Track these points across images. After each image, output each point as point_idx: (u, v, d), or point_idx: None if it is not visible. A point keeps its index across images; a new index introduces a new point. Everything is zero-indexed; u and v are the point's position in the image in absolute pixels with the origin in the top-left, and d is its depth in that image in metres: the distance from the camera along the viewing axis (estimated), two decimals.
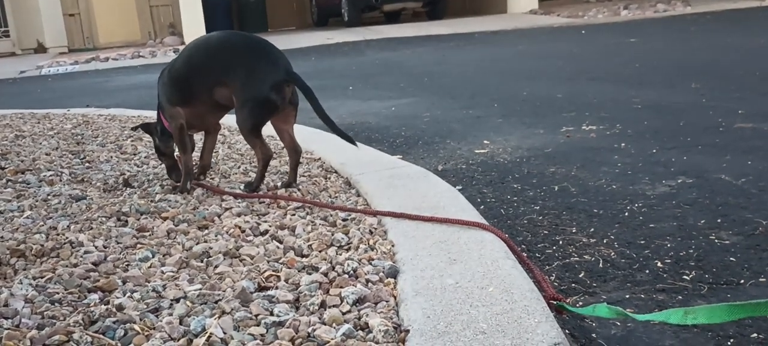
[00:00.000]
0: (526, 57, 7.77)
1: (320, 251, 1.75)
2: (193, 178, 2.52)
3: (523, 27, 12.30)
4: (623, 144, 3.05)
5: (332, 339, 1.27)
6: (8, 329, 1.37)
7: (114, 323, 1.37)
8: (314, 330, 1.30)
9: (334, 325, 1.33)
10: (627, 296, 1.60)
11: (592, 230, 2.05)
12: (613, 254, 1.85)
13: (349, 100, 5.31)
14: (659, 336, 1.40)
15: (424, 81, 6.19)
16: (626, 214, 2.16)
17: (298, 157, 2.48)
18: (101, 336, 1.33)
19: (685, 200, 2.24)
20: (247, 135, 2.36)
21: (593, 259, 1.83)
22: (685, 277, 1.67)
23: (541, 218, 2.20)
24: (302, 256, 1.74)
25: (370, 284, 1.52)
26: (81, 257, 1.78)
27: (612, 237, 1.97)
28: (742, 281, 1.62)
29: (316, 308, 1.41)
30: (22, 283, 1.60)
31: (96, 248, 1.86)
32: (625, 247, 1.89)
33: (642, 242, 1.92)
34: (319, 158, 2.89)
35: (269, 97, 2.27)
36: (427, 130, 3.81)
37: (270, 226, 1.98)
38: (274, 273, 1.61)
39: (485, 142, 3.35)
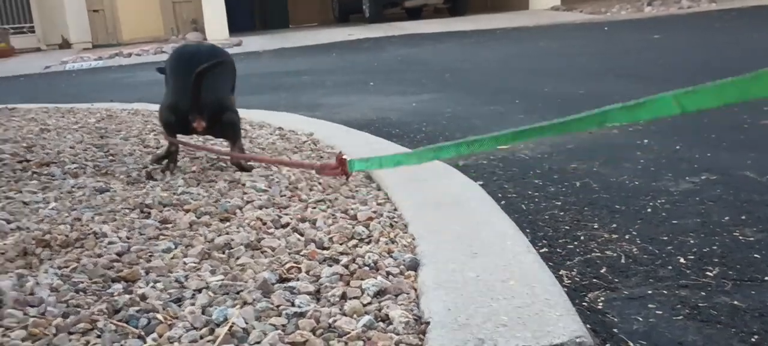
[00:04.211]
0: (548, 54, 7.73)
1: (341, 244, 1.76)
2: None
3: (544, 23, 12.23)
4: (646, 141, 3.02)
5: (353, 330, 1.27)
6: (34, 316, 1.39)
7: (137, 312, 1.39)
8: (335, 321, 1.31)
9: (354, 316, 1.33)
10: (649, 292, 1.58)
11: (614, 225, 2.03)
12: (635, 249, 1.84)
13: (371, 96, 5.31)
14: (682, 332, 1.39)
15: (445, 77, 6.18)
16: (649, 210, 2.14)
17: None
18: (125, 325, 1.35)
19: (709, 196, 2.21)
20: None
21: (615, 255, 1.82)
22: (708, 273, 1.65)
23: (562, 213, 2.19)
24: (323, 248, 1.75)
25: (390, 277, 1.52)
26: (105, 247, 1.80)
27: (634, 233, 1.96)
28: (766, 278, 1.60)
29: (337, 299, 1.41)
30: (47, 272, 1.62)
31: (120, 238, 1.88)
32: (647, 243, 1.88)
33: (665, 238, 1.90)
34: (341, 153, 2.89)
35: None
36: (449, 126, 3.81)
37: (291, 219, 1.99)
38: (295, 265, 1.62)
39: None
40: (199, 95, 2.42)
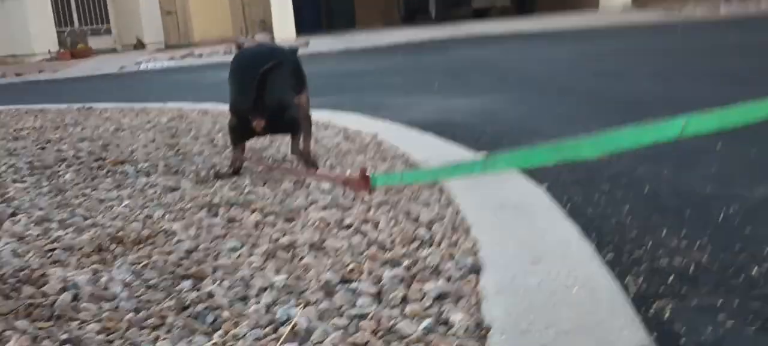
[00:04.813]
0: (617, 55, 7.56)
1: (403, 246, 1.77)
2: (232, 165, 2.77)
3: (615, 24, 11.96)
4: (719, 145, 2.92)
5: (413, 333, 1.28)
6: (108, 311, 1.45)
7: (204, 309, 1.43)
8: (396, 324, 1.32)
9: (415, 319, 1.34)
10: (719, 303, 1.53)
11: (684, 233, 1.98)
12: (705, 258, 1.78)
13: (435, 97, 5.31)
14: (752, 344, 1.34)
15: (510, 79, 6.12)
16: (721, 217, 2.07)
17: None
18: (193, 321, 1.39)
19: None
20: None
21: (684, 263, 1.77)
22: None
23: (629, 219, 2.14)
24: (385, 250, 1.76)
25: (452, 281, 1.52)
26: (174, 245, 1.86)
27: (705, 241, 1.90)
28: None
29: (398, 302, 1.42)
30: (120, 268, 1.68)
31: (188, 236, 1.94)
32: (718, 251, 1.82)
33: (737, 247, 1.84)
34: (404, 154, 2.90)
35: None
36: (513, 128, 3.77)
37: (354, 220, 2.01)
38: (357, 266, 1.63)
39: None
40: (258, 96, 2.47)
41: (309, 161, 2.69)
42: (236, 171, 2.73)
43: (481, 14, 16.62)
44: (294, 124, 2.64)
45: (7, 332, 1.36)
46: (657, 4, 14.34)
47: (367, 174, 1.40)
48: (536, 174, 2.71)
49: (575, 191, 2.49)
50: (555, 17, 13.99)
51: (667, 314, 1.49)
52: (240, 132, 2.64)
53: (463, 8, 16.35)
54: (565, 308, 1.31)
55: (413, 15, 18.31)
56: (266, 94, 2.48)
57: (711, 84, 4.69)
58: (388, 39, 12.60)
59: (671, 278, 1.69)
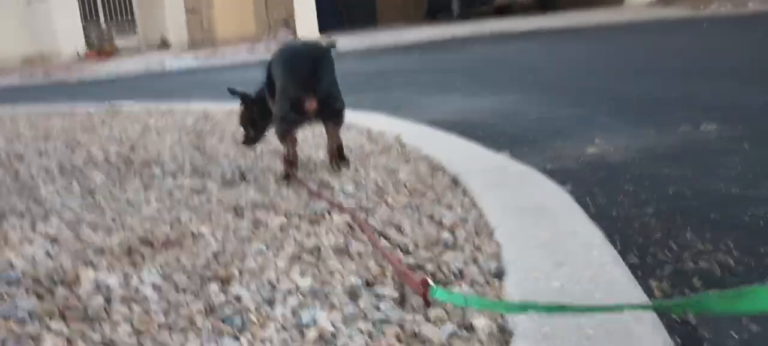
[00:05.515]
0: (641, 52, 7.50)
1: (426, 250, 1.79)
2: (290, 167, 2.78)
3: (639, 20, 11.85)
4: (745, 146, 2.90)
5: (437, 338, 1.30)
6: (139, 313, 1.48)
7: (232, 312, 1.46)
8: (420, 329, 1.34)
9: (438, 324, 1.36)
10: None
11: (709, 235, 1.97)
12: (730, 261, 1.78)
13: (456, 97, 5.31)
14: None
15: (531, 77, 6.11)
16: (746, 219, 2.06)
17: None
18: (221, 324, 1.42)
19: None
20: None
21: (709, 266, 1.77)
22: None
23: (653, 221, 2.14)
24: (408, 253, 1.78)
25: (475, 285, 1.54)
26: (202, 248, 1.89)
27: (730, 244, 1.89)
28: None
29: (422, 306, 1.44)
30: (150, 271, 1.72)
31: (215, 239, 1.97)
32: (743, 254, 1.81)
33: (763, 249, 1.83)
34: (427, 155, 2.92)
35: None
36: (534, 128, 3.77)
37: (378, 223, 2.03)
38: (381, 270, 1.65)
39: (596, 140, 3.28)
40: (314, 78, 2.52)
41: (342, 157, 2.79)
42: (294, 165, 2.77)
43: (502, 11, 16.56)
44: (340, 113, 2.71)
45: (43, 333, 1.41)
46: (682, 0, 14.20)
47: (428, 283, 1.39)
48: (559, 175, 2.72)
49: (598, 192, 2.49)
50: (578, 14, 13.90)
51: (691, 319, 1.49)
52: (291, 119, 2.67)
53: (485, 6, 16.30)
54: (588, 313, 1.32)
55: (435, 13, 18.29)
56: (320, 79, 2.55)
57: (734, 83, 4.65)
58: (410, 37, 12.60)
59: (696, 281, 1.69)
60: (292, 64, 2.64)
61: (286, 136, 2.71)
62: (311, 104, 2.56)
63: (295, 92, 2.58)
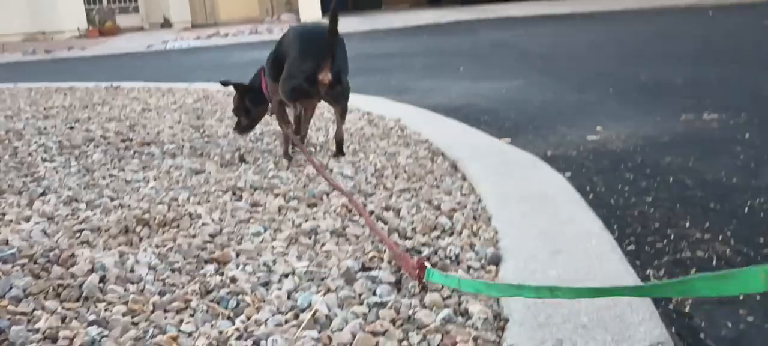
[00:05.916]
0: (647, 38, 7.46)
1: (424, 235, 1.78)
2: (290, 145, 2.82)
3: (647, 6, 11.78)
4: (748, 135, 2.89)
5: (432, 323, 1.29)
6: (133, 293, 1.48)
7: (227, 293, 1.46)
8: (415, 313, 1.33)
9: (434, 309, 1.35)
10: (741, 297, 1.53)
11: (708, 225, 1.96)
12: (728, 251, 1.77)
13: (459, 81, 5.29)
14: None
15: (536, 62, 6.08)
16: (746, 209, 2.05)
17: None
18: (216, 305, 1.42)
19: None
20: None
21: (706, 256, 1.76)
22: None
23: (653, 210, 2.13)
24: (405, 238, 1.77)
25: (471, 271, 1.53)
26: (199, 228, 1.89)
27: (728, 234, 1.88)
28: None
29: (417, 291, 1.43)
30: (146, 251, 1.72)
31: (212, 220, 1.96)
32: (742, 244, 1.80)
33: (761, 240, 1.82)
34: (427, 140, 2.91)
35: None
36: (538, 114, 3.75)
37: (375, 207, 2.03)
38: (377, 254, 1.65)
39: (598, 128, 3.26)
40: (332, 52, 2.53)
41: (340, 151, 2.78)
42: (298, 133, 2.81)
43: None
44: (346, 94, 2.70)
45: (37, 312, 1.40)
46: None
47: (424, 264, 1.38)
48: (560, 162, 2.71)
49: (599, 179, 2.48)
50: None
51: (687, 309, 1.49)
52: (300, 88, 2.63)
53: None
54: (584, 301, 1.31)
55: None
56: (336, 57, 2.56)
57: (739, 70, 4.62)
58: (415, 20, 12.54)
59: (693, 271, 1.68)
60: (310, 37, 2.64)
61: (288, 107, 2.75)
62: (326, 76, 2.55)
63: (313, 62, 2.57)
